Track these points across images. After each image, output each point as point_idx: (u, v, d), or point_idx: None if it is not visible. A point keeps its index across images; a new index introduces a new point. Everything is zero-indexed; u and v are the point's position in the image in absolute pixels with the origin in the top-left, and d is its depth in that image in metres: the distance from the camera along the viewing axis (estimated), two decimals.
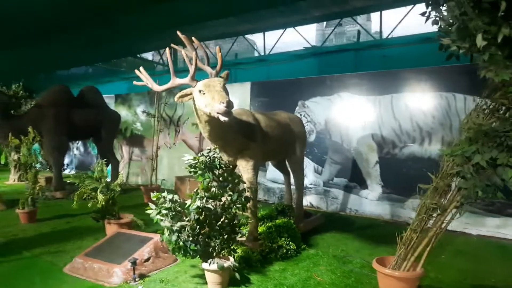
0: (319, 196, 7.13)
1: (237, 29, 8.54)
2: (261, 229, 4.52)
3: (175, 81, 3.75)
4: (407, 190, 6.16)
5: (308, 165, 7.25)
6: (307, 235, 5.11)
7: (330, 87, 7.00)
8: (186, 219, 3.50)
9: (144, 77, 3.93)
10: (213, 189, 3.63)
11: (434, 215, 3.13)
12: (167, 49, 3.62)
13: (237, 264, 3.56)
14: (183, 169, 9.21)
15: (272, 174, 7.74)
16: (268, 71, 8.32)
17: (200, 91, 3.58)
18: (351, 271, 3.97)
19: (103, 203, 4.48)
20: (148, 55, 12.97)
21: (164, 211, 3.46)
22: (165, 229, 3.46)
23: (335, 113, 6.90)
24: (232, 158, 4.31)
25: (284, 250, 4.30)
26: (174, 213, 3.46)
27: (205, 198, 3.52)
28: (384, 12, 6.71)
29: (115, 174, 9.13)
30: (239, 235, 3.78)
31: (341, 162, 6.85)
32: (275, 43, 8.48)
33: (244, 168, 4.24)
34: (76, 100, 8.62)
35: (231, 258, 3.64)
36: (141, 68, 3.97)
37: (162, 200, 3.50)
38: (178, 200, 3.54)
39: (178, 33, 3.91)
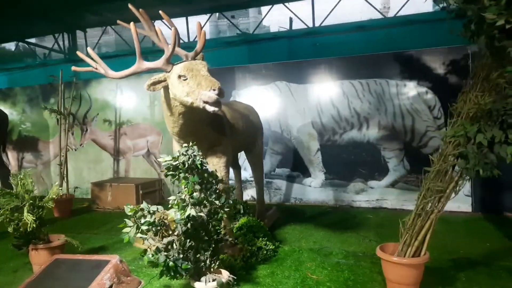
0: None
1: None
2: None
3: (142, 64, 3.01)
4: (348, 174, 6.36)
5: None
6: (269, 231, 4.83)
7: (266, 76, 6.76)
8: (173, 233, 2.86)
9: (94, 61, 3.08)
10: (195, 193, 3.05)
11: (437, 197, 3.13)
12: (132, 24, 2.86)
13: (235, 277, 3.08)
14: (95, 173, 8.08)
15: None
16: None
17: (179, 77, 2.93)
18: (339, 263, 3.82)
19: (34, 225, 3.44)
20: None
21: (144, 227, 2.77)
22: (148, 249, 2.77)
23: (273, 102, 6.70)
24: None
25: (264, 252, 3.94)
26: (157, 228, 2.80)
27: (192, 206, 2.93)
28: (316, 0, 6.74)
29: (5, 184, 7.39)
30: (225, 243, 3.29)
31: (282, 152, 6.71)
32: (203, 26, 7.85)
33: (216, 166, 3.71)
34: None
35: (224, 271, 3.13)
36: (89, 49, 3.10)
37: (140, 213, 2.80)
38: (159, 211, 2.87)
39: (130, 6, 3.17)
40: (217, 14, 9.24)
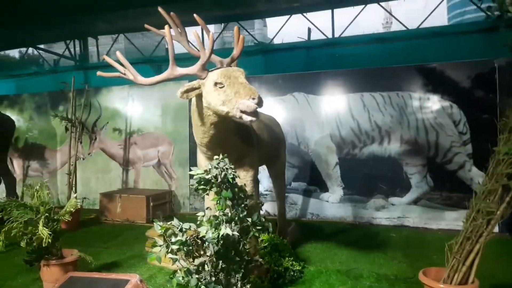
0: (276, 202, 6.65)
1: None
2: None
3: (175, 70, 2.81)
4: (368, 190, 6.13)
5: (263, 171, 6.70)
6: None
7: (282, 87, 6.59)
8: (204, 253, 2.63)
9: (123, 66, 2.89)
10: (227, 210, 2.82)
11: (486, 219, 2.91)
12: (167, 27, 2.67)
13: None
14: (103, 183, 7.84)
15: None
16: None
17: (215, 84, 2.73)
18: (371, 287, 3.57)
19: (49, 239, 3.20)
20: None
21: (175, 247, 2.53)
22: (179, 271, 2.53)
23: (290, 114, 6.51)
24: None
25: (291, 273, 3.69)
26: (189, 247, 2.56)
27: (226, 223, 2.70)
28: (336, 11, 6.61)
29: (11, 193, 7.16)
30: (254, 264, 3.05)
31: (299, 166, 6.49)
32: (216, 38, 7.74)
33: (243, 180, 3.48)
34: None
35: None
36: (118, 53, 2.91)
37: (171, 231, 2.56)
38: (191, 229, 2.64)
39: (161, 10, 2.99)
40: (222, 25, 9.14)
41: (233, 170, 2.89)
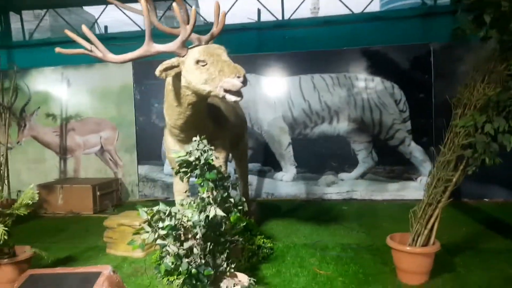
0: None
1: None
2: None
3: (151, 47, 2.61)
4: (319, 167, 6.41)
5: None
6: None
7: None
8: (193, 237, 2.56)
9: (90, 41, 2.62)
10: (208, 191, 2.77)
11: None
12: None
13: (255, 280, 2.86)
14: (36, 175, 7.12)
15: (170, 167, 6.74)
16: None
17: (197, 62, 2.60)
18: (340, 257, 3.79)
19: (5, 237, 2.85)
20: None
21: (162, 232, 2.42)
22: (167, 257, 2.43)
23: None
24: None
25: (264, 250, 3.76)
26: (178, 232, 2.47)
27: (210, 205, 2.65)
28: None
29: None
30: (236, 243, 3.06)
31: (253, 147, 6.53)
32: (161, 16, 7.27)
33: (216, 162, 3.42)
34: None
35: (240, 274, 2.90)
36: (84, 27, 2.61)
37: (157, 217, 2.45)
38: (178, 213, 2.54)
39: None
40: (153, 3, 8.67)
41: (213, 152, 2.83)
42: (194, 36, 2.80)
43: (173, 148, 3.42)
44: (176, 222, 2.45)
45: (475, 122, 3.01)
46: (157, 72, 2.67)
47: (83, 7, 11.25)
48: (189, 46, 2.77)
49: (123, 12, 8.45)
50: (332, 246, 4.08)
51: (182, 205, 2.73)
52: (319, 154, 6.39)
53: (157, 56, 2.74)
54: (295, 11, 6.69)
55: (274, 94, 6.42)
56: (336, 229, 4.72)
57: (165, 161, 6.78)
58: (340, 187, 6.32)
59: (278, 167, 6.51)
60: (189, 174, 2.75)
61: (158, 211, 2.44)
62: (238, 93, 2.62)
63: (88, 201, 6.01)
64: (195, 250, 2.54)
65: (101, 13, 7.92)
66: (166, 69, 2.67)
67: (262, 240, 3.85)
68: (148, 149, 6.85)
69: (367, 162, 6.26)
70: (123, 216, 4.36)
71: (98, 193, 6.13)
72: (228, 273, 2.82)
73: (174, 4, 2.56)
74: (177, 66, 2.69)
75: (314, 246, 4.10)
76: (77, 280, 2.99)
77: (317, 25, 6.58)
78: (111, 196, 6.51)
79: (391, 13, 6.57)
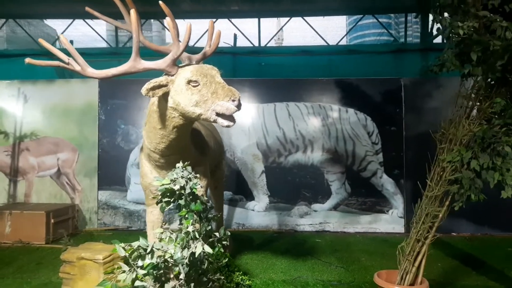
0: None
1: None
2: None
3: (138, 63, 2.36)
4: (293, 198, 6.27)
5: None
6: None
7: None
8: (174, 277, 2.25)
9: (68, 53, 2.34)
10: (195, 225, 2.50)
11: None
12: (133, 11, 2.23)
13: None
14: None
15: (134, 194, 6.32)
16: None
17: (189, 82, 2.39)
18: None
19: None
20: None
21: (142, 272, 2.11)
22: None
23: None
24: None
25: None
26: (160, 271, 2.17)
27: (195, 239, 2.38)
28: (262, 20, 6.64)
29: None
30: (218, 282, 2.77)
31: (225, 174, 6.27)
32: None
33: (198, 192, 3.16)
34: None
35: None
36: (62, 37, 2.33)
37: (136, 254, 2.13)
38: (159, 249, 2.24)
39: None
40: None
41: (198, 180, 2.59)
42: (184, 54, 2.60)
43: (150, 175, 3.13)
44: (158, 260, 2.15)
45: (462, 157, 3.01)
46: (143, 91, 2.42)
47: (44, 20, 10.79)
48: (179, 65, 2.56)
49: (92, 28, 8.14)
50: (312, 283, 3.87)
51: (161, 239, 2.43)
52: (293, 183, 6.25)
53: (123, 76, 2.50)
54: (272, 38, 6.71)
55: (248, 120, 6.28)
56: (313, 263, 4.52)
57: (128, 187, 6.35)
58: (313, 218, 6.18)
59: (250, 196, 6.28)
60: (171, 204, 2.48)
61: (138, 247, 2.14)
62: (231, 117, 2.44)
63: (41, 229, 5.41)
64: None
65: (68, 26, 7.51)
66: (154, 88, 2.44)
67: (240, 277, 3.57)
68: (111, 174, 6.38)
69: (340, 193, 6.21)
70: (83, 248, 3.89)
71: (52, 221, 5.55)
72: None
73: (167, 18, 2.36)
74: (166, 85, 2.46)
75: (294, 283, 3.88)
76: None
77: (293, 54, 6.62)
78: (66, 224, 5.93)
79: (365, 47, 6.80)
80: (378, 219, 6.14)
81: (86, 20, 7.51)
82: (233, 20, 6.71)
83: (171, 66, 2.43)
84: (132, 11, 2.23)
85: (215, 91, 2.39)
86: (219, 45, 6.86)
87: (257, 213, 6.24)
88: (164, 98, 2.53)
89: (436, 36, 3.31)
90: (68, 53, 2.50)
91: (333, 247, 5.29)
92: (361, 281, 3.90)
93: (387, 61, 6.48)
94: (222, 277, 2.87)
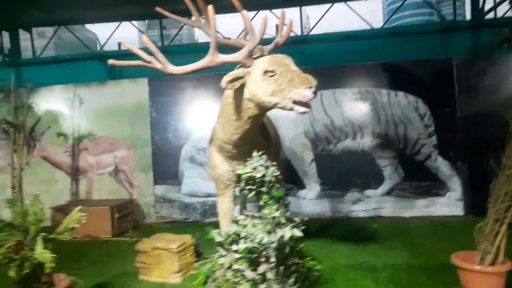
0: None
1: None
2: None
3: (216, 57, 2.46)
4: (344, 184, 6.25)
5: None
6: None
7: None
8: (266, 260, 2.35)
9: (150, 52, 2.46)
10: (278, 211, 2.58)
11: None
12: (211, 7, 2.32)
13: None
14: (47, 197, 6.75)
15: (189, 187, 6.53)
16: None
17: (265, 72, 2.46)
18: (392, 279, 3.58)
19: (52, 264, 2.60)
20: None
21: (236, 256, 2.21)
22: (245, 284, 2.21)
23: None
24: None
25: (315, 273, 3.55)
26: (254, 255, 2.27)
27: (286, 226, 2.46)
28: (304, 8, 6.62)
29: None
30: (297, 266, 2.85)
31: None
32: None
33: None
34: None
35: None
36: (145, 37, 2.45)
37: (230, 239, 2.24)
38: (250, 235, 2.33)
39: None
40: (147, 23, 8.76)
41: (275, 168, 2.67)
42: (255, 45, 2.66)
43: (221, 166, 3.24)
44: (251, 245, 2.25)
45: None
46: (223, 84, 2.51)
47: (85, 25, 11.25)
48: (254, 57, 2.63)
49: (138, 29, 8.39)
50: (381, 267, 3.87)
51: (244, 226, 2.53)
52: (344, 170, 6.23)
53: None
54: (315, 25, 6.66)
55: None
56: (375, 248, 4.52)
57: (182, 181, 6.55)
58: (367, 204, 6.15)
59: (301, 185, 6.33)
60: (252, 192, 2.57)
61: (235, 233, 2.24)
62: (306, 104, 2.48)
63: (107, 224, 5.72)
64: (269, 275, 2.33)
65: (116, 27, 7.78)
66: (232, 81, 2.52)
67: (311, 263, 3.63)
68: (165, 169, 6.61)
69: (393, 178, 6.13)
70: (156, 239, 4.10)
71: (116, 215, 5.84)
72: None
73: (243, 11, 2.43)
74: (242, 77, 2.53)
75: (361, 267, 3.90)
76: None
77: (337, 40, 6.54)
78: (127, 218, 6.22)
79: (410, 28, 6.60)
80: (435, 203, 6.01)
81: (132, 22, 7.76)
82: (274, 10, 6.71)
83: (247, 58, 2.50)
84: (210, 8, 2.32)
85: (291, 79, 2.44)
86: (265, 36, 6.86)
87: (309, 201, 6.29)
88: (239, 90, 2.60)
89: (492, 9, 3.18)
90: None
91: (392, 231, 5.25)
92: (430, 264, 3.86)
93: (435, 40, 6.28)
94: (301, 261, 2.96)
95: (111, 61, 2.59)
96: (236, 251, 2.22)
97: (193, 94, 6.54)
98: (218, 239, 2.24)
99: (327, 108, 6.25)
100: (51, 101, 6.89)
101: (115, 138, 6.77)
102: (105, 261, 4.67)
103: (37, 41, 8.88)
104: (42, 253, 2.53)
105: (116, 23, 7.85)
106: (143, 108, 6.65)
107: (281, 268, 2.38)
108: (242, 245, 2.21)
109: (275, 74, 2.47)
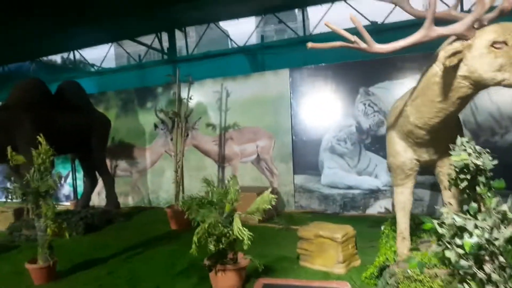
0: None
1: None
2: None
3: (432, 30, 2.28)
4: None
5: (379, 164, 6.13)
6: None
7: (400, 69, 5.97)
8: (490, 259, 2.09)
9: (356, 30, 2.39)
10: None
11: None
12: None
13: None
14: (197, 182, 7.39)
15: (329, 178, 6.45)
16: (305, 57, 7.03)
17: (493, 44, 2.19)
18: None
19: (249, 242, 2.77)
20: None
21: (460, 251, 2.00)
22: (472, 283, 2.00)
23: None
24: (435, 158, 2.99)
25: None
26: (482, 252, 2.03)
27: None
28: None
29: (111, 195, 6.94)
30: None
31: None
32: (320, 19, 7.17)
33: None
34: (56, 99, 6.27)
35: None
36: (352, 17, 2.40)
37: (452, 231, 2.04)
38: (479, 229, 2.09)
39: None
40: (262, 18, 8.80)
41: (488, 155, 2.35)
42: (460, 16, 2.38)
43: (404, 154, 3.03)
44: (480, 241, 2.01)
45: None
46: (441, 59, 2.29)
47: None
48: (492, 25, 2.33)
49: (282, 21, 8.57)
50: None
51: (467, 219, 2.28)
52: None
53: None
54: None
55: None
56: None
57: (322, 171, 6.50)
58: None
59: None
60: (466, 182, 2.31)
61: (452, 224, 2.03)
62: None
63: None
64: (494, 276, 2.06)
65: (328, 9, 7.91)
66: (450, 56, 2.29)
67: None
68: (305, 159, 6.65)
69: None
70: (317, 227, 4.10)
71: None
72: None
73: None
74: (460, 51, 2.28)
75: None
76: None
77: None
78: (272, 206, 6.42)
79: None
80: None
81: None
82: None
83: (468, 29, 2.23)
84: None
85: None
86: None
87: None
88: (452, 67, 2.36)
89: None
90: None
91: None
92: None
93: None
94: None
95: (310, 44, 2.57)
96: (460, 246, 2.01)
97: (332, 83, 6.41)
98: (440, 231, 2.05)
99: (492, 93, 5.48)
100: (202, 93, 7.50)
101: (258, 128, 7.06)
102: (259, 245, 4.85)
103: (183, 41, 9.85)
104: (240, 230, 2.69)
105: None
106: (284, 98, 6.78)
107: (509, 270, 2.08)
108: (470, 239, 1.99)
109: (505, 46, 2.15)
